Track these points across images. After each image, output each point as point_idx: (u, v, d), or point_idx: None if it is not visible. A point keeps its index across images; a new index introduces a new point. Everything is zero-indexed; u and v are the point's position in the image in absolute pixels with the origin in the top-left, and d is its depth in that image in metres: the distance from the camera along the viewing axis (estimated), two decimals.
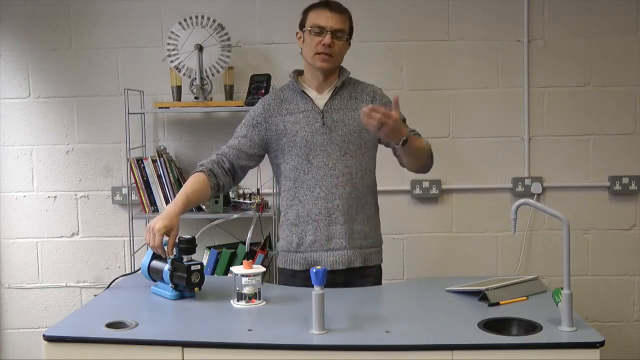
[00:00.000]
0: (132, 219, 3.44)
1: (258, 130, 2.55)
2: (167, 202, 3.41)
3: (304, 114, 2.52)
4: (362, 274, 2.56)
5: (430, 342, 1.88)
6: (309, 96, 2.54)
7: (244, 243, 3.43)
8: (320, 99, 2.55)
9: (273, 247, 3.49)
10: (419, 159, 2.49)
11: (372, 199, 2.61)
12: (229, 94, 3.49)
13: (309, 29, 2.49)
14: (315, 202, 2.50)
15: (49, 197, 3.73)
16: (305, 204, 2.52)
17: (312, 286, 1.93)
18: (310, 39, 2.50)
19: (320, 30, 2.47)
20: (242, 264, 2.22)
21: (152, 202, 3.45)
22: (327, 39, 2.46)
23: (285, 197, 2.58)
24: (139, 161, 3.43)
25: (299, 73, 2.63)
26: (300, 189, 2.52)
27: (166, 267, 2.27)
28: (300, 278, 2.53)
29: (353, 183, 2.51)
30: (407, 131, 2.38)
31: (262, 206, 3.44)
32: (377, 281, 2.63)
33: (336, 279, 2.46)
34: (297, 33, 2.59)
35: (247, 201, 3.45)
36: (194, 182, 2.45)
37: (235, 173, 2.55)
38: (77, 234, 3.74)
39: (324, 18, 2.47)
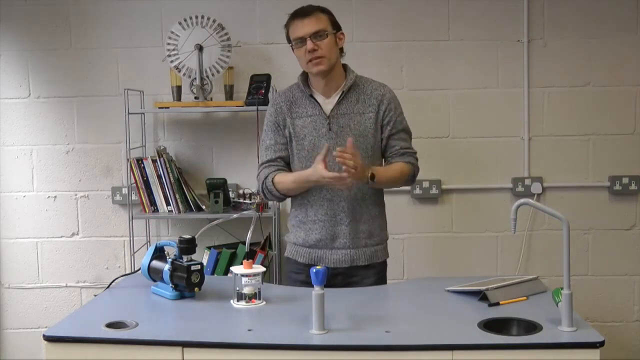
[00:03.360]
0: (132, 219, 3.43)
1: (282, 130, 2.62)
2: (167, 202, 3.41)
3: (311, 118, 2.58)
4: (366, 270, 2.61)
5: (430, 342, 1.88)
6: (316, 101, 2.59)
7: (244, 243, 3.42)
8: (328, 104, 2.59)
9: (273, 247, 3.49)
10: (391, 186, 2.70)
11: (378, 199, 2.67)
12: (229, 94, 3.48)
13: (292, 44, 2.56)
14: (321, 203, 2.58)
15: (49, 197, 3.73)
16: (313, 205, 2.60)
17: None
18: (298, 52, 2.56)
19: (301, 40, 2.52)
20: (242, 264, 2.23)
21: (152, 202, 3.44)
22: (309, 45, 2.50)
23: (295, 196, 2.65)
24: (139, 161, 3.43)
25: (306, 76, 2.65)
26: (308, 190, 2.59)
27: (166, 267, 2.27)
28: (304, 269, 2.58)
29: (358, 186, 2.54)
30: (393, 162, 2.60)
31: (262, 206, 3.44)
32: (381, 276, 2.67)
33: (339, 272, 2.57)
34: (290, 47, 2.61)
35: (247, 201, 3.44)
36: (288, 172, 2.61)
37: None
38: (77, 234, 3.74)
39: (298, 28, 2.52)
